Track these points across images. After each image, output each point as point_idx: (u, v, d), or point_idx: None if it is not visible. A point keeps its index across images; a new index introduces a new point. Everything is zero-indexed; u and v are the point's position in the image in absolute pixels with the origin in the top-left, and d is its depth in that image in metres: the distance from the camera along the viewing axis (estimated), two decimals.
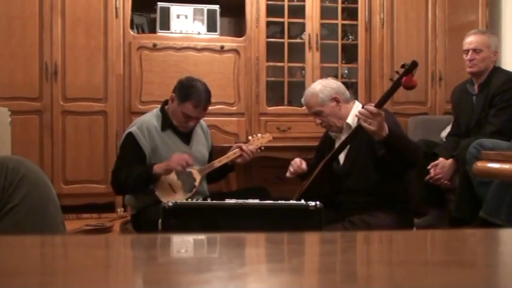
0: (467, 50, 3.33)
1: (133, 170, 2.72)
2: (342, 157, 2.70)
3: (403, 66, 2.36)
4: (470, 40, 3.34)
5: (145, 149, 2.76)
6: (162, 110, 2.89)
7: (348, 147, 2.64)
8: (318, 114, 2.72)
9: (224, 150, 2.96)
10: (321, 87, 2.73)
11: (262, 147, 2.96)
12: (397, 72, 2.39)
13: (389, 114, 2.65)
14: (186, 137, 2.90)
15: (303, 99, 2.82)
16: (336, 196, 2.64)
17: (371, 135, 2.40)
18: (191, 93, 2.77)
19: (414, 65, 2.34)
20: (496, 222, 2.63)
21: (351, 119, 2.67)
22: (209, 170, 2.87)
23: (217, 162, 2.86)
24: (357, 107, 2.71)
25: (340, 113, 2.70)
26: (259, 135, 2.97)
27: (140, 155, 2.76)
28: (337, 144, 2.72)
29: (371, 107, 2.33)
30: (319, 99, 2.70)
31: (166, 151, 2.79)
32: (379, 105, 2.35)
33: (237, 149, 2.87)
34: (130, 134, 2.78)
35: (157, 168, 2.70)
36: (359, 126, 2.42)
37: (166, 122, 2.84)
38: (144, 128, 2.79)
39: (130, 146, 2.77)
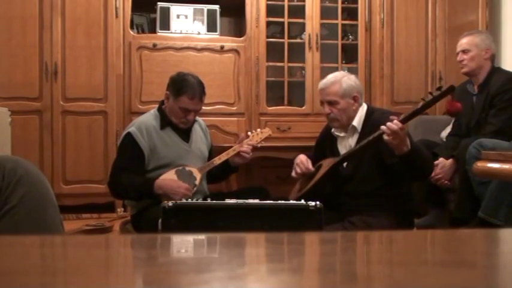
0: (458, 53, 3.41)
1: (135, 181, 2.72)
2: None
3: (438, 88, 2.37)
4: (460, 43, 3.45)
5: (144, 149, 2.76)
6: (160, 109, 2.89)
7: (353, 150, 2.61)
8: (332, 104, 2.62)
9: (224, 150, 2.96)
10: (347, 79, 2.65)
11: (263, 143, 2.96)
12: (431, 93, 2.38)
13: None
14: (186, 134, 2.90)
15: (322, 83, 2.68)
16: (337, 197, 2.63)
17: (389, 148, 2.38)
18: (184, 86, 2.78)
19: (451, 89, 2.34)
20: (495, 222, 2.63)
21: (357, 121, 2.65)
22: (209, 167, 2.87)
23: (217, 160, 2.87)
24: (362, 108, 2.68)
25: (352, 112, 2.64)
26: (258, 130, 2.97)
27: (139, 155, 2.76)
28: (339, 144, 2.71)
29: (396, 123, 2.30)
30: (341, 90, 2.61)
31: (166, 150, 2.80)
32: (404, 121, 2.34)
33: (236, 145, 2.87)
34: (129, 134, 2.78)
35: (158, 188, 2.68)
36: (379, 138, 2.39)
37: (164, 121, 2.84)
38: (143, 128, 2.80)
39: (129, 146, 2.77)
